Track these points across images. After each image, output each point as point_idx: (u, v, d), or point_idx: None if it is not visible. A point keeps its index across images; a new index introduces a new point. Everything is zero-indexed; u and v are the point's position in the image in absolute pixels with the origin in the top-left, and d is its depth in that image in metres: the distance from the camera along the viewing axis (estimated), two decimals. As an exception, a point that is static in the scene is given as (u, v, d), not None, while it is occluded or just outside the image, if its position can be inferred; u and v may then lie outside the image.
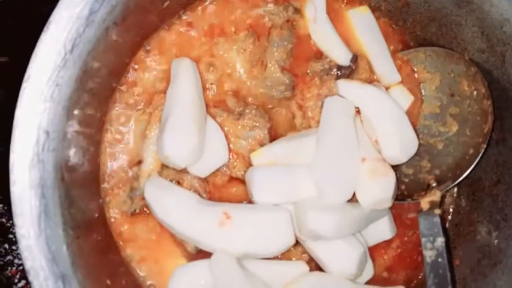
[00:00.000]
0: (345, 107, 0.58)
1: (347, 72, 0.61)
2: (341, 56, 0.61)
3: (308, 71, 0.62)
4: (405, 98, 0.62)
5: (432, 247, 0.56)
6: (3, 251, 0.71)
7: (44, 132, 0.43)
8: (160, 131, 0.55)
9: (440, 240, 0.56)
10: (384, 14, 0.64)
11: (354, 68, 0.61)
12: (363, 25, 0.62)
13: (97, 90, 0.52)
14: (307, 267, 0.56)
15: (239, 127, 0.59)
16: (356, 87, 0.59)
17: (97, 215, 0.56)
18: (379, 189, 0.56)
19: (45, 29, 0.42)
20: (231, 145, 0.59)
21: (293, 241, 0.54)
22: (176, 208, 0.55)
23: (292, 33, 0.62)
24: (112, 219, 0.58)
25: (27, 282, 0.71)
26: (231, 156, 0.59)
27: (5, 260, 0.71)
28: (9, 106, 0.74)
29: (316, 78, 0.61)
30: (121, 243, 0.59)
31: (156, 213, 0.55)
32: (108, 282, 0.51)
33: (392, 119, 0.58)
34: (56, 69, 0.43)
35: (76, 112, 0.48)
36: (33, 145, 0.42)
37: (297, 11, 0.62)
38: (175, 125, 0.53)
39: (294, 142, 0.58)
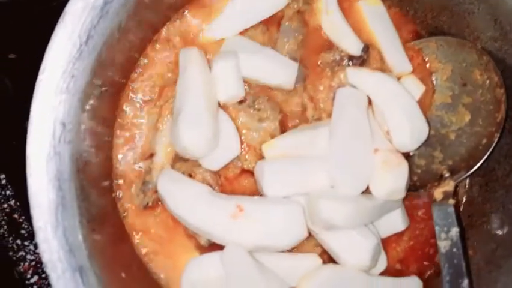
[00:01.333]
0: (357, 98, 0.58)
1: (358, 62, 0.60)
2: (352, 46, 0.60)
3: (319, 62, 0.62)
4: (416, 88, 0.62)
5: (447, 237, 0.56)
6: (16, 246, 0.71)
7: (60, 124, 0.43)
8: (173, 123, 0.55)
9: (455, 230, 0.56)
10: (395, 3, 0.63)
11: (366, 58, 0.60)
12: (374, 15, 0.62)
13: (109, 83, 0.52)
14: (320, 260, 0.56)
15: (250, 119, 0.59)
16: (366, 75, 0.59)
17: (110, 208, 0.56)
18: (392, 180, 0.55)
19: (60, 20, 0.42)
20: (242, 137, 0.59)
21: (306, 234, 0.54)
22: (189, 200, 0.55)
23: (303, 25, 0.62)
24: (125, 213, 0.58)
25: (40, 278, 0.71)
26: (242, 149, 0.59)
27: (17, 256, 0.71)
28: (19, 102, 0.75)
29: (327, 69, 0.61)
30: (134, 236, 0.59)
31: (169, 205, 0.55)
32: (123, 275, 0.51)
33: (402, 106, 0.58)
34: (71, 60, 0.43)
35: (89, 105, 0.48)
36: (50, 137, 0.42)
37: (308, 2, 0.62)
38: (190, 116, 0.53)
39: (306, 133, 0.58)
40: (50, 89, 0.43)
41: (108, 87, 0.52)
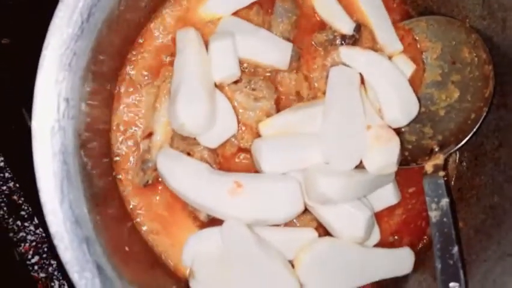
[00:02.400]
0: (349, 76, 0.60)
1: (351, 42, 0.62)
2: (344, 25, 0.62)
3: (313, 42, 0.63)
4: (407, 67, 0.64)
5: (437, 207, 0.58)
6: (16, 228, 0.72)
7: (64, 100, 0.44)
8: (171, 102, 0.57)
9: (445, 201, 0.58)
10: (386, -16, 0.65)
11: (358, 38, 0.62)
12: None
13: (108, 62, 0.53)
14: (316, 233, 0.58)
15: (246, 98, 0.60)
16: (358, 54, 0.60)
17: (111, 186, 0.57)
18: (384, 155, 0.57)
19: (62, -3, 0.43)
20: (239, 117, 0.60)
21: (302, 207, 0.56)
22: (188, 177, 0.56)
23: (296, 5, 0.63)
24: (125, 192, 0.60)
25: (41, 258, 0.73)
26: (239, 128, 0.60)
27: (18, 237, 0.72)
28: (15, 87, 0.75)
29: (321, 49, 0.63)
30: (134, 214, 0.60)
31: (169, 182, 0.57)
32: (126, 248, 0.53)
33: (393, 83, 0.60)
34: (74, 38, 0.43)
35: (89, 83, 0.49)
36: (54, 112, 0.43)
37: None
38: (187, 94, 0.54)
39: (301, 112, 0.59)
40: (53, 65, 0.44)
41: (107, 66, 0.52)
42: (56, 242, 0.43)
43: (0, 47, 0.77)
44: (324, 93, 0.61)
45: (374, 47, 0.63)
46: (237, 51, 0.58)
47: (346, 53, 0.61)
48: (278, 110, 0.61)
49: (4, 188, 0.73)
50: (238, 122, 0.60)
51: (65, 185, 0.43)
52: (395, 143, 0.58)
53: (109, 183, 0.56)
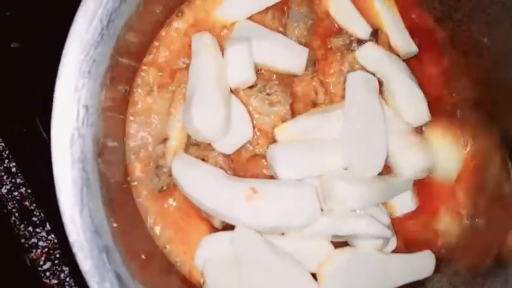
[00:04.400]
0: (369, 82, 0.59)
1: None
2: (360, 30, 0.62)
3: (329, 47, 0.63)
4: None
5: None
6: (28, 234, 0.72)
7: (83, 107, 0.43)
8: (186, 107, 0.56)
9: None
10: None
11: (375, 41, 0.61)
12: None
13: (126, 68, 0.53)
14: (331, 245, 0.58)
15: (261, 103, 0.60)
16: (376, 55, 0.60)
17: (126, 193, 0.57)
18: (419, 159, 0.58)
19: (81, 3, 0.43)
20: (254, 122, 0.60)
21: (319, 214, 0.56)
22: (203, 183, 0.55)
23: (311, 10, 0.63)
24: (140, 199, 0.59)
25: (53, 264, 0.72)
26: (254, 133, 0.60)
27: (29, 243, 0.72)
28: (23, 91, 0.75)
29: (337, 54, 0.62)
30: (148, 220, 0.59)
31: (184, 188, 0.56)
32: (143, 256, 0.52)
33: (412, 82, 0.60)
34: (94, 44, 0.43)
35: (107, 89, 0.49)
36: (73, 120, 0.43)
37: None
38: (203, 99, 0.54)
39: (318, 117, 0.59)
40: (72, 73, 0.43)
41: (124, 71, 0.52)
42: (75, 250, 0.42)
43: (10, 51, 0.76)
44: (341, 98, 0.60)
45: (390, 51, 0.62)
46: (253, 56, 0.58)
47: (364, 54, 0.60)
48: (293, 115, 0.61)
49: (16, 193, 0.72)
50: (254, 127, 0.59)
51: (85, 193, 0.43)
52: (427, 146, 0.58)
53: (124, 190, 0.56)
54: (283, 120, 0.60)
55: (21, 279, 0.71)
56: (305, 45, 0.61)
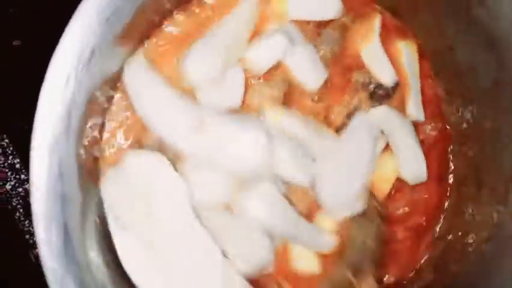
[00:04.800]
0: (372, 128, 0.61)
1: (383, 93, 0.63)
2: (386, 76, 0.63)
3: (348, 78, 0.63)
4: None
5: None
6: (32, 229, 0.72)
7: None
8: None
9: None
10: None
11: (391, 94, 0.63)
12: (410, 59, 0.65)
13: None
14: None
15: (256, 81, 0.60)
16: (392, 116, 0.62)
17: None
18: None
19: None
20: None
21: (263, 161, 0.55)
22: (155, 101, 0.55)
23: (343, 38, 0.63)
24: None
25: (56, 260, 0.72)
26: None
27: (33, 239, 0.72)
28: (27, 91, 0.75)
29: (353, 87, 0.63)
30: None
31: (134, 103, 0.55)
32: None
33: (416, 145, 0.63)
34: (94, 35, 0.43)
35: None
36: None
37: (354, 21, 0.63)
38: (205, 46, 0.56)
39: (312, 129, 0.60)
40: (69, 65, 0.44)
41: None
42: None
43: (11, 49, 0.77)
44: (336, 129, 0.61)
45: (399, 108, 0.64)
46: (281, 53, 0.58)
47: (377, 113, 0.62)
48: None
49: (20, 189, 0.73)
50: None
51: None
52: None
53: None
54: (274, 100, 0.60)
55: (26, 275, 0.72)
56: (326, 67, 0.62)
